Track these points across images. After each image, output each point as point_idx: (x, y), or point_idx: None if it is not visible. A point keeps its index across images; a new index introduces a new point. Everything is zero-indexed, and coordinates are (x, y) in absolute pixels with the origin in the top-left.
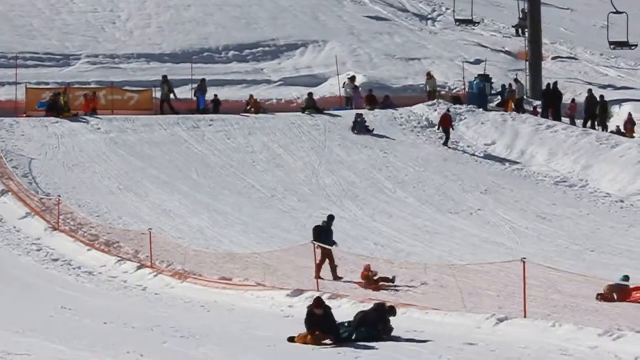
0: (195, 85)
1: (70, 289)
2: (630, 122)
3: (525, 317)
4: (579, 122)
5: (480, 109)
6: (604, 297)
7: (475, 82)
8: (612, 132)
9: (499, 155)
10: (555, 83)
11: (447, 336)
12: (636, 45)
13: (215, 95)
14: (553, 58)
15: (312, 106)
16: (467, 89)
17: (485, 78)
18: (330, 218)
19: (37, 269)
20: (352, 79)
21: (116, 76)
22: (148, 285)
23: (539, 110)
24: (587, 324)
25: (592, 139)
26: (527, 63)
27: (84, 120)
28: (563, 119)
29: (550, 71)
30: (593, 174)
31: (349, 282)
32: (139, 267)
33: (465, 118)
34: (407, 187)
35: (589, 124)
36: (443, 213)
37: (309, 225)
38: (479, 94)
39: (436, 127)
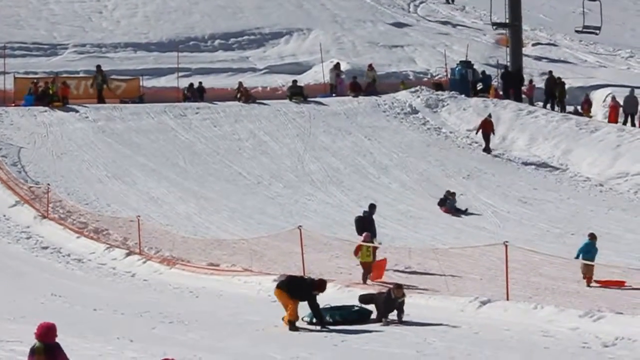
0: (182, 74)
1: (60, 277)
2: (587, 103)
3: (507, 299)
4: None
5: (463, 95)
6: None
7: (457, 69)
8: (570, 112)
9: (480, 140)
10: (551, 72)
11: (432, 319)
12: (599, 29)
13: (200, 83)
14: (533, 44)
15: (298, 93)
16: (449, 76)
17: (467, 64)
18: (372, 207)
19: (27, 257)
20: (337, 66)
21: (104, 65)
22: (137, 272)
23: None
24: (568, 306)
25: (572, 124)
26: (508, 49)
27: (72, 109)
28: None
29: (531, 58)
30: (573, 158)
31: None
32: (127, 254)
33: (447, 104)
34: (391, 172)
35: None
36: (426, 198)
37: (294, 211)
38: (461, 81)
39: (474, 131)
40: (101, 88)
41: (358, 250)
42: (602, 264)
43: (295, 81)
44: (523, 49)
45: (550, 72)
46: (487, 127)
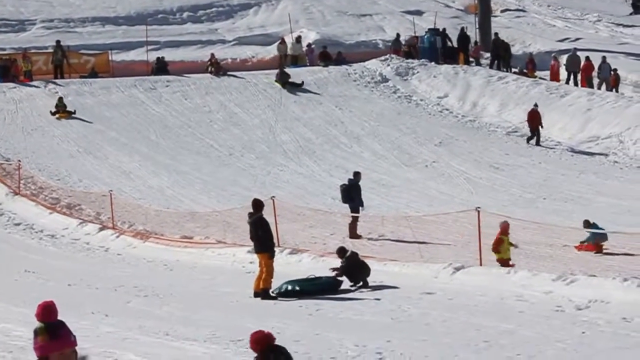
0: (151, 47)
1: (33, 253)
2: (531, 63)
3: (481, 265)
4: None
5: (432, 63)
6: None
7: (426, 36)
8: (515, 72)
9: (451, 107)
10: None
11: (406, 286)
12: None
13: (163, 57)
14: (502, 11)
15: (286, 81)
16: (418, 43)
17: (436, 32)
18: (357, 175)
19: (0, 234)
20: (298, 39)
21: (72, 40)
22: (110, 247)
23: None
24: (541, 270)
25: (542, 89)
26: (477, 16)
27: (41, 85)
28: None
29: (499, 24)
30: (544, 123)
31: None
32: (101, 229)
33: (417, 72)
34: (362, 141)
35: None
36: (399, 166)
37: (267, 182)
38: (431, 48)
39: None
40: (60, 63)
41: (498, 244)
42: (574, 228)
43: (282, 66)
44: (492, 15)
45: (496, 34)
46: (534, 119)
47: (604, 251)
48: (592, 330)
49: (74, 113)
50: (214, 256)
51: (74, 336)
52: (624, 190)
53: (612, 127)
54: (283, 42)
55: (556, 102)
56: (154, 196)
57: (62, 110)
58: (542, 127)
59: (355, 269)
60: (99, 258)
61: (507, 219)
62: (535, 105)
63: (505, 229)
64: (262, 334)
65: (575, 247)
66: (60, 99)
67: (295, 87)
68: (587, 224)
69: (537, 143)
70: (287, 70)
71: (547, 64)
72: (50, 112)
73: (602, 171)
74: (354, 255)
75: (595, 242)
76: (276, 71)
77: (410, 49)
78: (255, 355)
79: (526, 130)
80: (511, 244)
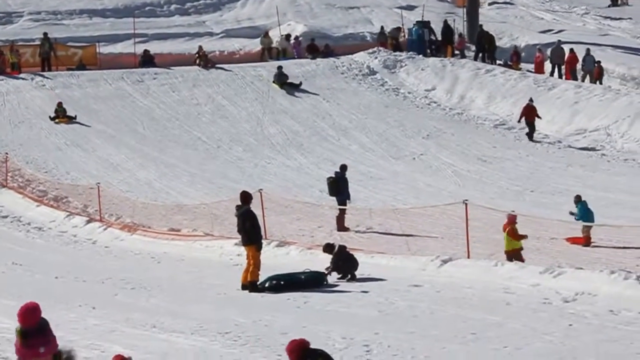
0: (139, 40)
1: (20, 245)
2: (516, 55)
3: (468, 257)
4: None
5: (420, 55)
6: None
7: (414, 29)
8: (499, 64)
9: (439, 100)
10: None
11: (393, 279)
12: None
13: (148, 51)
14: (490, 4)
15: (284, 81)
16: (406, 36)
17: (423, 25)
18: (344, 167)
19: None
20: (287, 37)
21: (59, 32)
22: (98, 239)
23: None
24: (529, 263)
25: (530, 82)
26: (464, 9)
27: (29, 77)
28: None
29: (487, 17)
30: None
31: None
32: (88, 222)
33: (405, 65)
34: (350, 134)
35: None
36: (386, 159)
37: (255, 175)
38: (419, 41)
39: (517, 119)
40: (48, 56)
41: (515, 233)
42: (562, 221)
43: (280, 67)
44: (479, 8)
45: (481, 26)
46: (530, 114)
47: (592, 244)
48: (579, 323)
49: (75, 118)
50: (202, 249)
51: (51, 340)
52: (611, 183)
53: (600, 120)
54: (267, 35)
55: (544, 95)
56: (142, 189)
57: (62, 116)
58: (539, 117)
59: (344, 263)
60: (86, 251)
61: (494, 211)
62: (531, 100)
63: (512, 219)
64: (294, 343)
65: (566, 239)
66: (60, 103)
67: (293, 88)
68: (578, 199)
69: (530, 138)
70: (281, 63)
71: (534, 56)
72: (50, 117)
73: (590, 164)
74: (342, 248)
75: (584, 234)
76: (264, 64)
77: (392, 41)
78: None
79: (513, 122)
80: (521, 236)
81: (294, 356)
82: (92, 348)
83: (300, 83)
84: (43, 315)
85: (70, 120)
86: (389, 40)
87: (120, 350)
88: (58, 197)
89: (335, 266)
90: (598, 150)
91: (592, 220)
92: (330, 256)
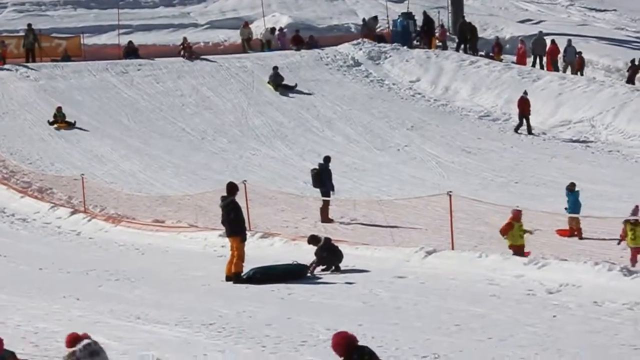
0: (123, 31)
1: (5, 236)
2: (497, 46)
3: (452, 249)
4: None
5: (405, 47)
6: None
7: (399, 21)
8: (481, 55)
9: (423, 91)
10: (464, 17)
11: (378, 270)
12: None
13: (131, 42)
14: None
15: (280, 83)
16: (391, 28)
17: (408, 16)
18: (327, 159)
19: None
20: (272, 30)
21: (44, 23)
22: (82, 230)
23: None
24: (513, 254)
25: (514, 73)
26: (449, 0)
27: (13, 68)
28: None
29: (472, 8)
30: (516, 107)
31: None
32: (72, 213)
33: (390, 56)
34: (335, 125)
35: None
36: (371, 150)
37: (239, 166)
38: (403, 32)
39: (517, 115)
40: (32, 47)
41: (507, 229)
42: (546, 212)
43: (276, 67)
44: None
45: (463, 17)
46: (524, 107)
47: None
48: (563, 314)
49: (74, 124)
50: (186, 240)
51: None
52: (595, 175)
53: (584, 111)
54: (246, 25)
55: (528, 86)
56: (126, 180)
57: (61, 121)
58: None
59: (328, 255)
60: (70, 242)
61: (478, 202)
62: (525, 92)
63: (516, 215)
64: (342, 336)
65: (557, 231)
66: (59, 108)
67: (288, 90)
68: (572, 187)
69: (529, 132)
70: (266, 54)
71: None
72: (48, 121)
73: (574, 155)
74: (328, 241)
75: (570, 225)
76: (249, 55)
77: (367, 31)
78: (341, 358)
79: (498, 114)
80: (526, 231)
81: (340, 350)
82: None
83: (296, 85)
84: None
85: (70, 125)
86: (365, 30)
87: (104, 342)
88: (42, 188)
89: (319, 258)
90: (582, 141)
91: (578, 212)
92: (315, 248)
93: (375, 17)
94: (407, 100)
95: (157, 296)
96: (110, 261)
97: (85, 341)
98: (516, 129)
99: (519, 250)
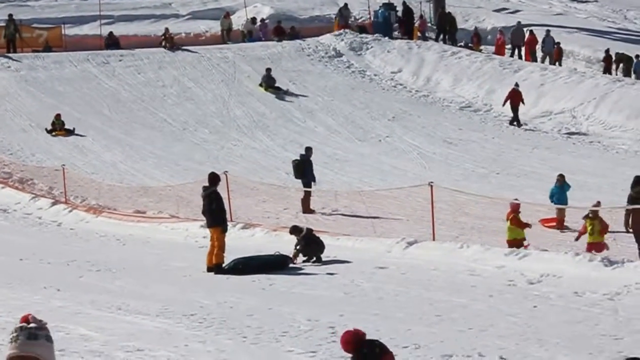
0: (105, 22)
1: None
2: (476, 37)
3: (434, 239)
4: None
5: (386, 38)
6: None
7: (380, 11)
8: (460, 45)
9: (405, 82)
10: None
11: (359, 261)
12: None
13: (112, 34)
14: None
15: (272, 85)
16: (372, 18)
17: (390, 7)
18: (308, 150)
19: None
20: (253, 20)
21: (25, 14)
22: (63, 221)
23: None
24: (494, 245)
25: (496, 64)
26: None
27: None
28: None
29: None
30: (497, 98)
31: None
32: (53, 204)
33: (371, 47)
34: (316, 116)
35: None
36: (352, 141)
37: (221, 157)
38: (385, 23)
39: (502, 103)
40: (13, 38)
41: (519, 221)
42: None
43: (269, 69)
44: None
45: (443, 7)
46: (515, 98)
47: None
48: (543, 304)
49: (73, 131)
50: (167, 231)
51: None
52: (576, 165)
53: (565, 102)
54: (227, 16)
55: (509, 77)
56: (107, 171)
57: (59, 128)
58: (523, 103)
59: (310, 246)
60: (51, 233)
61: (459, 193)
62: (516, 84)
63: (515, 207)
64: (350, 334)
65: (540, 221)
66: (58, 115)
67: (280, 92)
68: (562, 179)
69: (518, 124)
70: (247, 45)
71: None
72: (46, 129)
73: (555, 146)
74: (309, 231)
75: (558, 216)
76: (230, 46)
77: (336, 20)
78: (351, 357)
79: (479, 105)
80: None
81: (350, 347)
82: (57, 330)
83: (288, 89)
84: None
85: (69, 133)
86: (336, 19)
87: (84, 333)
88: (23, 179)
89: (301, 249)
90: (563, 132)
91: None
92: (296, 239)
93: (345, 5)
94: (389, 91)
95: (138, 287)
96: (92, 252)
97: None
98: (511, 122)
99: (517, 243)
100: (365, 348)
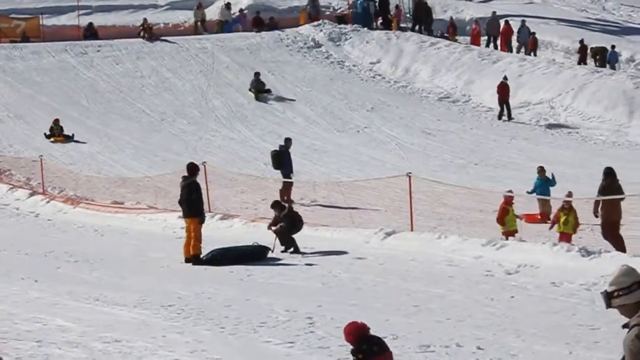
0: (83, 12)
1: None
2: (452, 27)
3: (412, 230)
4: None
5: (365, 28)
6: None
7: (359, 2)
8: (436, 36)
9: (384, 73)
10: None
11: (337, 251)
12: None
13: (91, 24)
14: None
15: (262, 90)
16: (351, 9)
17: None
18: (288, 141)
19: None
20: (228, 5)
21: (2, 4)
22: (41, 212)
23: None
24: (472, 235)
25: (475, 55)
26: None
27: None
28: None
29: None
30: (475, 89)
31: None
32: (31, 194)
33: (350, 38)
34: (295, 107)
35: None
36: (331, 132)
37: (199, 148)
38: (364, 14)
39: (497, 101)
40: None
41: (503, 215)
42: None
43: (257, 74)
44: None
45: None
46: (503, 93)
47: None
48: (521, 295)
49: (72, 137)
50: (145, 222)
51: None
52: (555, 156)
53: (544, 93)
54: (200, 7)
55: (488, 68)
56: (85, 161)
57: (58, 134)
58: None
59: (296, 224)
60: (29, 224)
61: (438, 183)
62: (505, 78)
63: (509, 200)
64: (354, 326)
65: (524, 216)
66: (57, 121)
67: (270, 95)
68: (542, 171)
69: (509, 118)
70: (226, 36)
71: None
72: (45, 134)
73: (533, 137)
74: (291, 209)
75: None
76: (209, 36)
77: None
78: (352, 348)
79: (458, 95)
80: (516, 216)
81: (351, 339)
82: (34, 321)
83: (283, 98)
84: None
85: (67, 139)
86: (304, 10)
87: (62, 324)
88: (0, 170)
89: (289, 222)
90: (541, 123)
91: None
92: (275, 213)
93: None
94: (367, 82)
95: (116, 278)
96: (69, 243)
97: None
98: (499, 116)
99: (511, 235)
100: (364, 344)
